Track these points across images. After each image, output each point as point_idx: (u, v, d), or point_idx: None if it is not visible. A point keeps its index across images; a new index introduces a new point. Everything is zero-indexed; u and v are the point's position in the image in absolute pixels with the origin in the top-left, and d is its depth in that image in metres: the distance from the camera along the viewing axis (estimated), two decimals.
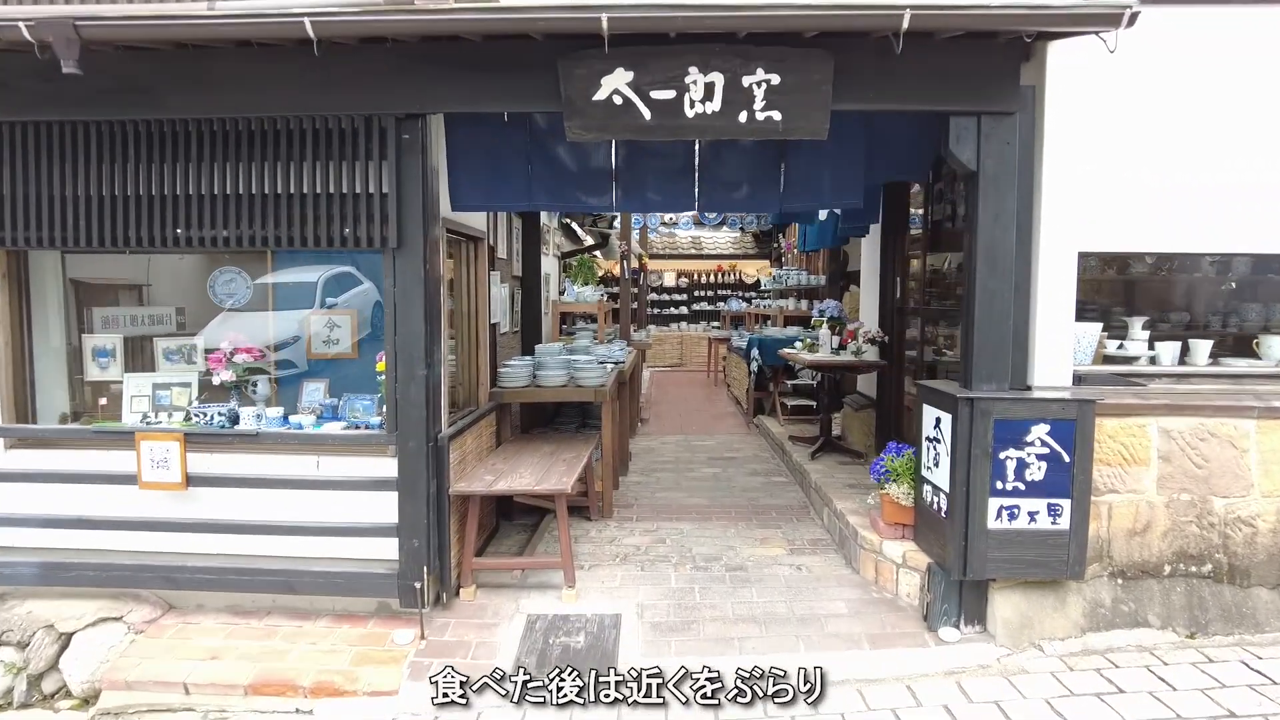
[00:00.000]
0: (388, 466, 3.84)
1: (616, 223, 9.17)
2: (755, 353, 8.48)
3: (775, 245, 13.56)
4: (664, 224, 13.57)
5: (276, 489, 3.89)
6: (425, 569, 3.81)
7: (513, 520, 5.16)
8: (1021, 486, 3.55)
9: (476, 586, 4.15)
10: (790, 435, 7.21)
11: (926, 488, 3.91)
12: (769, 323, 11.77)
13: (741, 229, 13.74)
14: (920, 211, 5.66)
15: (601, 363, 6.07)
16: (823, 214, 6.87)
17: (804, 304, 9.70)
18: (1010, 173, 3.58)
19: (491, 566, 4.26)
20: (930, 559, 3.88)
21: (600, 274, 10.14)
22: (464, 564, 4.10)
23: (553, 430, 6.25)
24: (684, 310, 17.99)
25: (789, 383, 8.57)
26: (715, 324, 16.98)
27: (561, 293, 8.48)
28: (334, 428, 4.02)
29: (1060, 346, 3.75)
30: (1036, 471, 3.54)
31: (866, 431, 6.62)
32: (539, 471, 4.34)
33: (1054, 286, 3.69)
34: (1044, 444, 3.52)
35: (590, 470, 5.30)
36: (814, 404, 8.41)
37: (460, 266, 4.90)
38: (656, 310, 17.88)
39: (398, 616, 3.88)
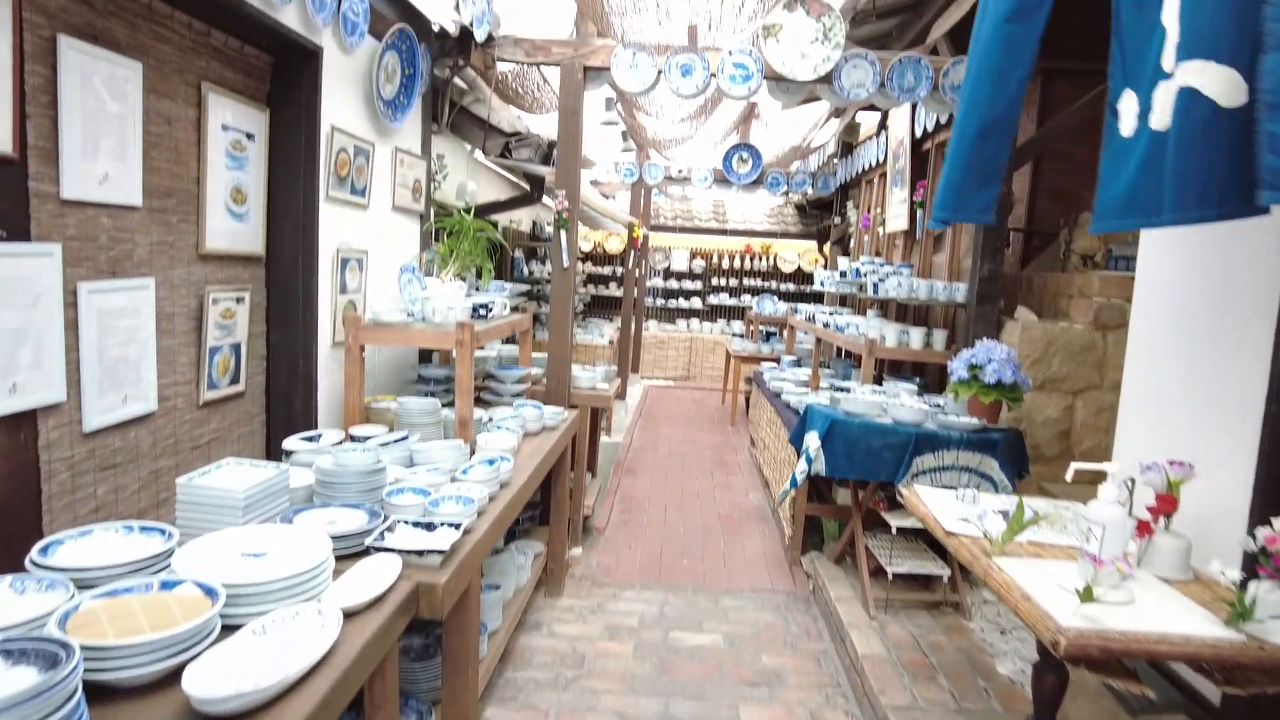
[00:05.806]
0: None
1: (555, 157, 4.57)
2: (813, 445, 3.93)
3: (839, 218, 8.84)
4: (670, 179, 8.96)
5: None
6: None
7: None
8: None
9: None
10: (907, 680, 2.70)
11: None
12: (837, 361, 7.18)
13: (787, 191, 8.90)
14: None
15: None
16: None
17: (905, 333, 5.14)
18: None
19: None
20: None
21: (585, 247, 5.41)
22: None
23: None
24: (696, 303, 13.43)
25: (889, 519, 4.02)
26: (738, 324, 12.46)
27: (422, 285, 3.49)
28: None
29: None
30: None
31: None
32: None
33: None
34: None
35: None
36: (941, 574, 3.89)
37: None
38: (661, 302, 13.36)
39: None
